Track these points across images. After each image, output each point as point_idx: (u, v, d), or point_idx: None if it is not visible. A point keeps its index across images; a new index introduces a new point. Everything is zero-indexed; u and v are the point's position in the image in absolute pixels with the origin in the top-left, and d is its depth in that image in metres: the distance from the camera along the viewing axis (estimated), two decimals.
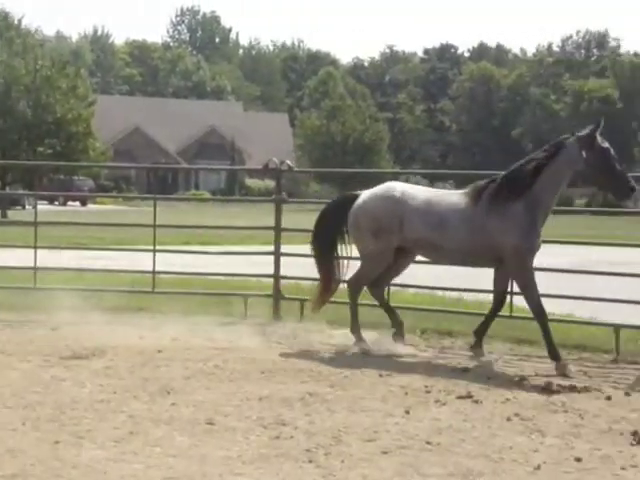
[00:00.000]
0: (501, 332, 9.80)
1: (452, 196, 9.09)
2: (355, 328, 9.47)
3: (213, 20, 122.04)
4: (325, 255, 9.68)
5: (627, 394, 7.61)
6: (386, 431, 6.23)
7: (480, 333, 9.10)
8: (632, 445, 6.03)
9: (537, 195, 8.60)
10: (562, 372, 8.25)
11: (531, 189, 8.58)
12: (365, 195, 9.32)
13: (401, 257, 9.31)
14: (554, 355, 8.50)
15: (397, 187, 9.23)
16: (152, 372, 7.98)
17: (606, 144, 8.67)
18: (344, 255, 9.72)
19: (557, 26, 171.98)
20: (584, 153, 8.53)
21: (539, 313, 8.63)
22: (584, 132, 8.68)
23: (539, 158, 8.73)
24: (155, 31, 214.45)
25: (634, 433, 6.22)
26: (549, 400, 7.26)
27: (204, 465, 5.41)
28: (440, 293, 11.96)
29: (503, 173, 8.89)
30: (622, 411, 6.97)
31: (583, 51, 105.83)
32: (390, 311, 9.65)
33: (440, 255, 9.14)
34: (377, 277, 9.45)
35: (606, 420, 6.67)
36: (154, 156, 70.48)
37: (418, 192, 9.12)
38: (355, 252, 9.60)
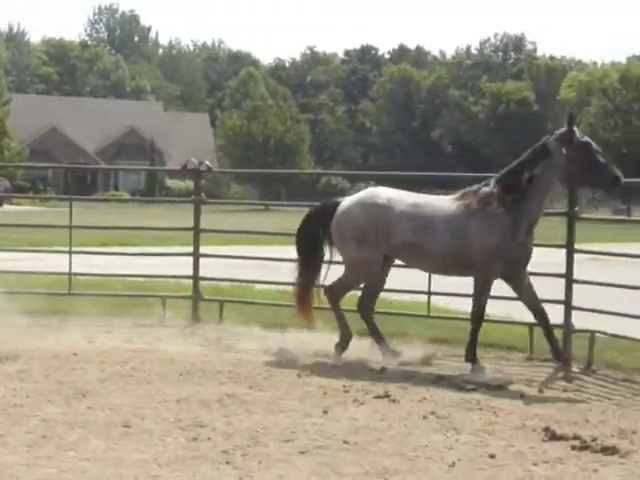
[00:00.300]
0: (420, 331, 9.91)
1: (441, 202, 8.79)
2: (347, 335, 9.13)
3: (132, 19, 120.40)
4: (308, 262, 9.28)
5: (540, 391, 7.79)
6: (304, 431, 6.25)
7: (554, 352, 8.61)
8: (544, 441, 6.17)
9: (525, 202, 8.40)
10: (477, 377, 8.20)
11: (523, 195, 8.39)
12: (347, 202, 9.04)
13: (385, 265, 9.07)
14: (472, 358, 8.49)
15: (381, 193, 8.91)
16: (67, 375, 7.86)
17: (585, 138, 8.56)
18: (327, 261, 9.34)
19: (475, 29, 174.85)
20: (564, 150, 8.39)
21: (478, 317, 8.58)
22: (562, 130, 8.54)
23: (527, 164, 8.50)
24: (72, 29, 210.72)
25: (546, 429, 6.36)
26: (464, 398, 7.38)
27: (119, 468, 5.35)
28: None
29: (494, 178, 8.65)
30: (535, 408, 7.13)
31: (501, 54, 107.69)
32: (374, 330, 9.22)
33: (428, 261, 8.82)
34: (369, 292, 9.16)
35: (519, 417, 6.81)
36: (72, 156, 69.28)
37: (404, 197, 8.82)
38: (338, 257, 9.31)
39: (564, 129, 8.55)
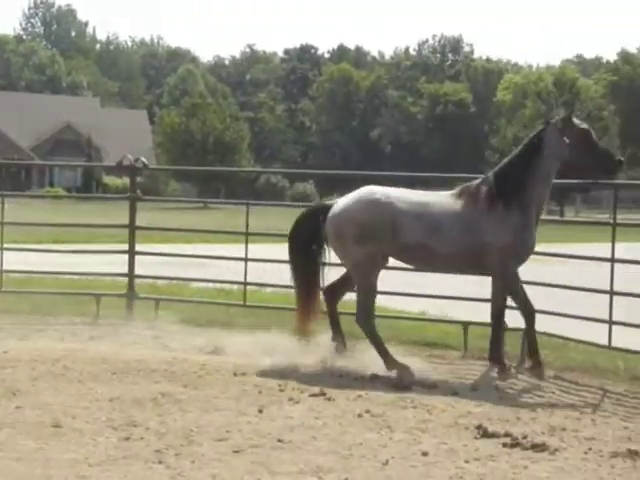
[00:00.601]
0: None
1: (444, 198, 8.45)
2: (389, 358, 8.34)
3: (69, 13, 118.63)
4: (305, 267, 8.74)
5: (473, 389, 7.86)
6: (238, 430, 6.21)
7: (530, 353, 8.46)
8: (476, 438, 6.23)
9: (529, 194, 8.24)
10: (505, 377, 8.11)
11: (524, 189, 8.22)
12: (344, 202, 8.52)
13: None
14: (494, 358, 8.35)
15: (379, 191, 8.46)
16: None
17: (584, 124, 8.44)
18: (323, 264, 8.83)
19: (414, 30, 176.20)
20: (566, 139, 8.23)
21: (497, 317, 8.39)
22: (559, 118, 8.44)
23: (526, 155, 8.31)
24: (7, 23, 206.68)
25: (478, 427, 6.42)
26: (399, 396, 7.41)
27: (48, 469, 5.25)
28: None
29: (492, 173, 8.47)
30: (468, 406, 7.19)
31: (439, 55, 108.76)
32: (336, 324, 8.77)
33: (434, 261, 8.48)
34: (372, 298, 8.53)
35: (453, 415, 6.86)
36: (6, 152, 67.91)
37: (406, 195, 8.45)
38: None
39: (561, 117, 8.43)
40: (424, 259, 8.48)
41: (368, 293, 8.44)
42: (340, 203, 8.55)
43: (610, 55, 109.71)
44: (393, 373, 8.13)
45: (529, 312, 8.41)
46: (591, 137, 8.35)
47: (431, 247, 8.23)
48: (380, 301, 10.90)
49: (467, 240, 8.20)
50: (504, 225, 8.18)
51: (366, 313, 8.40)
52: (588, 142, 8.32)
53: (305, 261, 8.74)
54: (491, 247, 8.19)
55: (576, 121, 8.39)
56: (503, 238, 8.18)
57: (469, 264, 8.44)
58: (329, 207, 8.64)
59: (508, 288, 8.35)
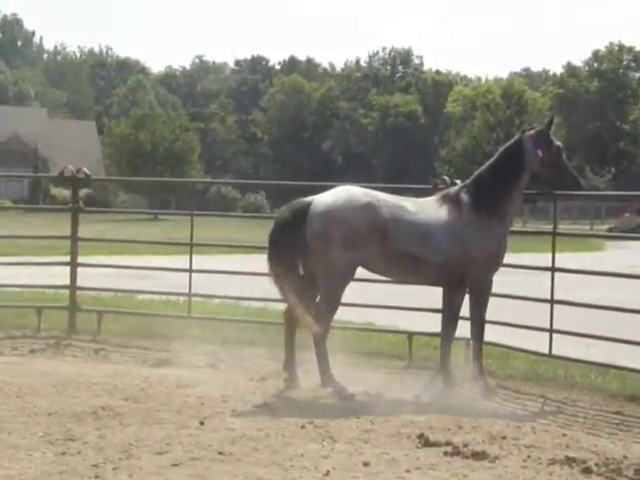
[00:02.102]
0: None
1: (428, 205, 8.18)
2: (329, 375, 7.92)
3: (14, 22, 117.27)
4: (288, 276, 7.89)
5: (417, 398, 7.88)
6: (179, 443, 6.15)
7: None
8: (418, 448, 6.24)
9: (510, 204, 8.25)
10: (487, 394, 7.97)
11: (507, 199, 8.18)
12: (330, 200, 7.88)
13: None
14: (477, 375, 8.19)
15: (361, 191, 8.03)
16: None
17: (557, 141, 8.36)
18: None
19: (364, 42, 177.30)
20: (540, 152, 8.20)
21: (482, 330, 8.26)
22: (535, 130, 8.33)
23: (509, 165, 8.20)
24: None
25: (420, 436, 6.44)
26: (343, 407, 7.40)
27: None
28: (245, 303, 12.03)
29: (471, 181, 8.30)
30: (411, 415, 7.19)
31: (389, 67, 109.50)
32: (291, 345, 8.23)
33: (420, 272, 8.10)
34: (333, 311, 7.98)
35: (395, 425, 6.87)
36: None
37: (391, 199, 8.06)
38: None
39: (538, 130, 8.32)
40: (409, 269, 8.10)
41: (332, 304, 7.91)
42: (326, 201, 7.86)
43: (556, 68, 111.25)
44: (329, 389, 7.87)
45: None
46: (563, 155, 8.34)
47: (419, 256, 7.92)
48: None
49: (455, 250, 7.98)
50: (489, 235, 8.05)
51: (325, 326, 7.85)
52: (560, 159, 8.31)
53: (290, 270, 7.90)
54: (478, 257, 8.04)
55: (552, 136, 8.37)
56: (489, 248, 8.07)
57: (452, 275, 8.12)
58: (309, 204, 7.92)
59: (488, 299, 8.26)
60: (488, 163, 8.42)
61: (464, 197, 8.15)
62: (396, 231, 7.82)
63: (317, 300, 8.02)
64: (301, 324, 7.98)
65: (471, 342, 8.43)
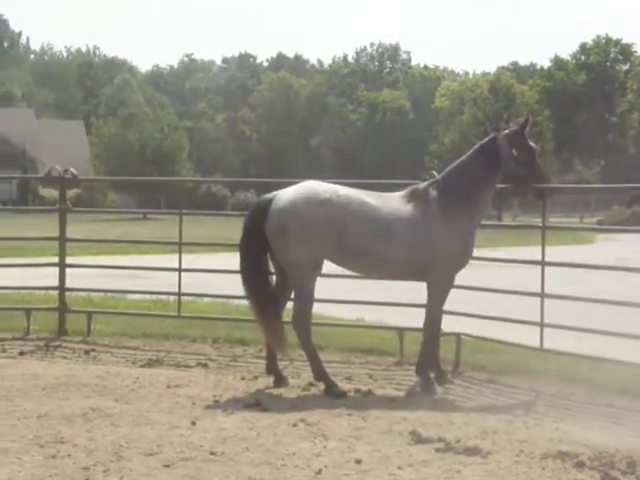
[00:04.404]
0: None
1: (393, 200, 8.12)
2: (320, 368, 7.93)
3: (1, 23, 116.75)
4: (259, 279, 8.00)
5: (408, 395, 7.86)
6: (170, 444, 6.11)
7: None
8: (410, 445, 6.21)
9: (481, 202, 8.21)
10: (428, 388, 7.93)
11: (477, 197, 8.14)
12: (288, 196, 7.87)
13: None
14: (419, 369, 8.22)
15: (323, 186, 7.97)
16: None
17: (532, 142, 8.35)
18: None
19: (352, 38, 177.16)
20: (514, 152, 8.17)
21: (436, 328, 8.27)
22: (511, 129, 8.27)
23: (481, 163, 8.16)
24: None
25: (412, 432, 6.42)
26: (334, 404, 7.37)
27: None
28: (236, 302, 11.98)
29: (441, 177, 8.24)
30: (403, 412, 7.17)
31: (377, 63, 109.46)
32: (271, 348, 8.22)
33: (381, 268, 8.15)
34: (309, 305, 7.96)
35: (387, 421, 6.84)
36: None
37: (354, 195, 7.98)
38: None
39: (516, 129, 8.27)
40: (370, 265, 8.10)
41: (306, 298, 7.90)
42: (284, 197, 7.87)
43: (544, 62, 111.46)
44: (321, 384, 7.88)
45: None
46: (535, 156, 8.32)
47: (380, 253, 7.87)
48: (316, 308, 10.94)
49: (419, 247, 7.93)
50: (455, 232, 7.98)
51: (304, 318, 7.87)
52: (534, 160, 8.29)
53: (258, 272, 8.00)
54: (442, 254, 7.98)
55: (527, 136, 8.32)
56: (453, 246, 8.01)
57: (416, 271, 8.08)
58: (270, 200, 7.95)
59: (446, 296, 8.25)
60: (460, 160, 8.36)
61: (432, 193, 8.06)
62: (355, 227, 7.78)
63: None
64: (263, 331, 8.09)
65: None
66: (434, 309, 8.21)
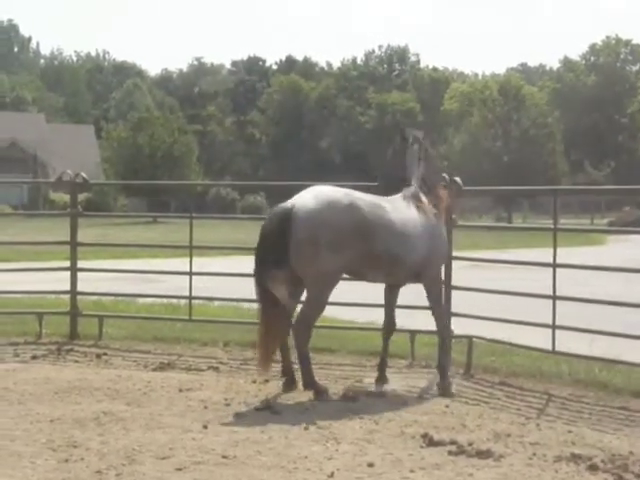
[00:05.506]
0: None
1: (398, 203, 8.16)
2: (311, 377, 7.76)
3: (11, 28, 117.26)
4: (270, 289, 7.64)
5: (420, 397, 7.85)
6: (182, 447, 6.11)
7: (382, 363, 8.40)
8: (422, 447, 6.20)
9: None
10: (446, 392, 7.99)
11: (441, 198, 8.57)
12: (312, 204, 7.57)
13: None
14: (440, 372, 8.25)
15: (339, 191, 7.80)
16: None
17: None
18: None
19: (360, 41, 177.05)
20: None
21: (443, 330, 8.42)
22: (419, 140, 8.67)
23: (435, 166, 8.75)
24: None
25: (424, 435, 6.41)
26: (346, 407, 7.36)
27: None
28: (247, 305, 11.99)
29: (421, 180, 8.46)
30: (415, 415, 7.17)
31: (385, 65, 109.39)
32: (286, 350, 8.07)
33: (398, 271, 8.08)
34: (318, 314, 7.86)
35: (399, 424, 6.84)
36: None
37: (368, 198, 7.94)
38: None
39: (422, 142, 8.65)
40: (387, 270, 8.03)
41: (319, 308, 7.78)
42: (307, 204, 7.56)
43: (553, 63, 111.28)
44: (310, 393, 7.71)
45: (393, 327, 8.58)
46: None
47: (400, 256, 7.88)
48: (327, 311, 10.94)
49: (424, 247, 8.07)
50: (443, 232, 8.40)
51: (307, 326, 7.70)
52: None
53: (273, 281, 7.59)
54: (437, 254, 8.26)
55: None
56: (444, 245, 8.42)
57: (416, 273, 8.17)
58: (290, 209, 7.61)
59: (442, 291, 8.56)
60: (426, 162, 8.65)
61: (422, 197, 8.32)
62: (379, 231, 7.74)
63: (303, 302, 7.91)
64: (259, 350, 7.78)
65: (439, 337, 8.50)
66: (440, 308, 8.43)
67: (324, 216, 7.50)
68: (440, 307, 8.47)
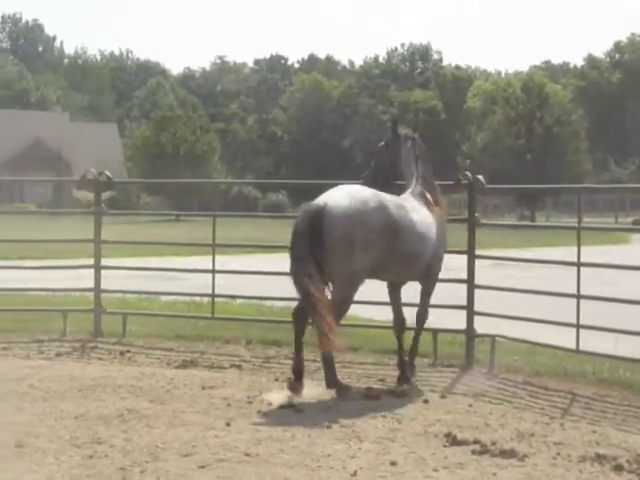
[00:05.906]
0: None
1: (413, 202, 8.23)
2: (334, 375, 7.67)
3: (36, 28, 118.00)
4: (314, 281, 7.46)
5: (442, 396, 7.83)
6: (205, 445, 6.14)
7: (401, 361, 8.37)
8: (445, 447, 6.19)
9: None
10: (406, 380, 8.13)
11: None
12: (345, 203, 7.54)
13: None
14: (409, 361, 8.44)
15: (364, 190, 7.80)
16: None
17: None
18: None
19: (383, 39, 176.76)
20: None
21: (422, 321, 8.62)
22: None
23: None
24: None
25: (447, 435, 6.39)
26: (369, 406, 7.35)
27: None
28: (269, 303, 12.02)
29: (421, 180, 8.57)
30: (438, 414, 7.16)
31: (408, 64, 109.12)
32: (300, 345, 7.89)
33: (415, 270, 8.18)
34: (345, 311, 7.81)
35: (422, 423, 6.83)
36: None
37: (390, 198, 7.94)
38: None
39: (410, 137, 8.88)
40: (407, 269, 8.10)
41: (345, 306, 7.72)
42: (341, 203, 7.51)
43: (577, 60, 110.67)
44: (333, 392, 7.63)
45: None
46: None
47: (420, 255, 8.01)
48: (349, 310, 10.94)
49: (434, 246, 8.22)
50: (444, 230, 8.48)
51: (340, 315, 7.64)
52: None
53: (310, 277, 7.45)
54: (440, 252, 8.41)
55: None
56: (445, 243, 8.52)
57: (425, 271, 8.31)
58: (323, 207, 7.55)
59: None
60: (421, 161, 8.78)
61: (427, 195, 8.46)
62: (404, 231, 7.79)
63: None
64: (321, 330, 7.43)
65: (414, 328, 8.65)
66: (429, 301, 8.58)
67: (360, 215, 7.49)
68: (429, 300, 8.57)
